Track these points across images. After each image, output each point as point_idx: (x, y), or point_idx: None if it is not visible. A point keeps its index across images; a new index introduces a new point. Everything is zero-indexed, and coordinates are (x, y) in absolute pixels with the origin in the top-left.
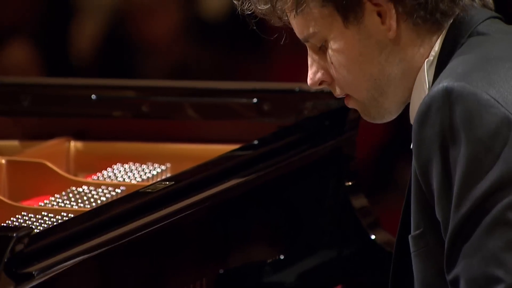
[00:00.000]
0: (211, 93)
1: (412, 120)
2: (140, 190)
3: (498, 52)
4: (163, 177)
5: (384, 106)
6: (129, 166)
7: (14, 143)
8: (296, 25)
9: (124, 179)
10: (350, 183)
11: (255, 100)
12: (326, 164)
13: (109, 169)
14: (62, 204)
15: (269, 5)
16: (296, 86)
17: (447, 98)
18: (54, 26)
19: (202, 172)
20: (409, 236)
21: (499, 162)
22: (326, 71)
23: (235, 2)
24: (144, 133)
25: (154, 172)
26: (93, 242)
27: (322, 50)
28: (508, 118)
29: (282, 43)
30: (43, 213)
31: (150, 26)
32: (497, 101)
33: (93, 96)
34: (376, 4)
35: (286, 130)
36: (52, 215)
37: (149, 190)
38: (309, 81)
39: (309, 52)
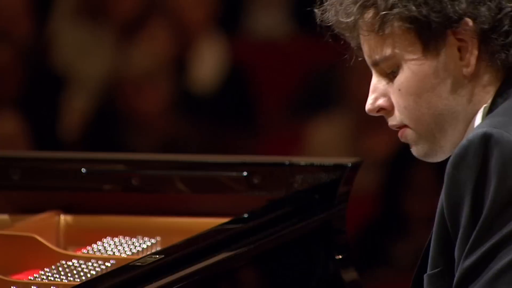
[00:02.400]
0: (201, 166)
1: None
2: (130, 264)
3: None
4: (153, 250)
5: (440, 143)
6: (119, 239)
7: (4, 216)
8: (372, 45)
9: (114, 253)
10: (340, 257)
11: (245, 173)
12: (316, 237)
13: (99, 243)
14: (52, 278)
15: (352, 18)
16: (286, 159)
17: (484, 144)
18: (44, 100)
19: (192, 246)
20: (425, 275)
21: None
22: (388, 99)
23: (315, 11)
24: (134, 207)
25: (144, 246)
26: None
27: (389, 76)
28: None
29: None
30: (33, 287)
31: (140, 100)
32: None
33: (83, 170)
34: (459, 39)
35: (276, 203)
36: None
37: (139, 264)
38: (368, 106)
39: (375, 76)
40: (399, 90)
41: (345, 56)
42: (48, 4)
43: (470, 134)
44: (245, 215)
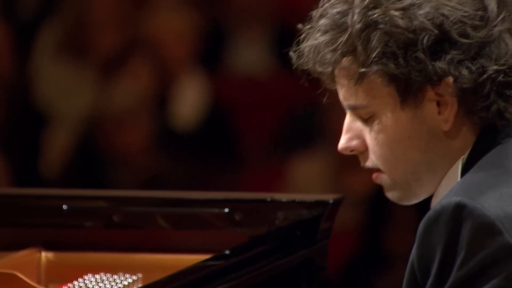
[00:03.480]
0: (182, 203)
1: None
2: None
3: None
4: (135, 287)
5: (415, 191)
6: (100, 276)
7: None
8: (349, 92)
9: None
10: None
11: (226, 210)
12: (298, 273)
13: (80, 280)
14: None
15: (332, 67)
16: (267, 196)
17: (457, 213)
18: (25, 136)
19: (174, 282)
20: None
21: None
22: (363, 141)
23: (291, 54)
24: (116, 243)
25: (126, 282)
26: None
27: (366, 120)
28: (510, 248)
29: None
30: None
31: (121, 137)
32: (505, 229)
33: (65, 206)
34: (439, 95)
35: (258, 240)
36: None
37: None
38: (341, 145)
39: (350, 118)
40: (376, 138)
41: (325, 96)
42: (29, 41)
43: (444, 200)
44: (227, 252)
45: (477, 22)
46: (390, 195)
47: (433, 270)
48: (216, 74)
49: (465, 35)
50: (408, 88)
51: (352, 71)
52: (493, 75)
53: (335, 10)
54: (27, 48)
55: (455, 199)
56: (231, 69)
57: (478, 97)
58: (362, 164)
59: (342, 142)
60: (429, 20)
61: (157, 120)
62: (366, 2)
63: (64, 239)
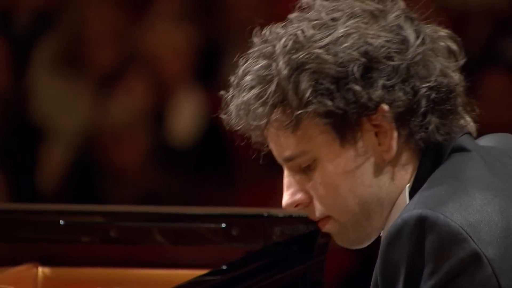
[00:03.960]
0: (179, 218)
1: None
2: None
3: (476, 180)
4: None
5: (367, 230)
6: None
7: None
8: (283, 143)
9: None
10: None
11: (223, 225)
12: None
13: None
14: None
15: (265, 120)
16: (264, 211)
17: (419, 226)
18: (21, 151)
19: None
20: None
21: None
22: (306, 193)
23: (223, 117)
24: (113, 258)
25: None
26: None
27: (305, 170)
28: (478, 255)
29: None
30: None
31: (118, 151)
32: (470, 236)
33: (61, 222)
34: (375, 125)
35: (255, 255)
36: None
37: None
38: (285, 202)
39: (288, 173)
40: (320, 183)
41: None
42: (26, 56)
43: (404, 213)
44: (224, 267)
45: (400, 46)
46: (341, 241)
47: (399, 287)
48: (212, 89)
49: (392, 58)
50: (344, 124)
51: (285, 120)
52: (426, 93)
53: (257, 66)
54: (23, 63)
55: (417, 211)
56: (227, 85)
57: (415, 118)
58: (311, 217)
59: (286, 199)
60: (354, 50)
61: (154, 135)
62: (288, 47)
63: (61, 254)
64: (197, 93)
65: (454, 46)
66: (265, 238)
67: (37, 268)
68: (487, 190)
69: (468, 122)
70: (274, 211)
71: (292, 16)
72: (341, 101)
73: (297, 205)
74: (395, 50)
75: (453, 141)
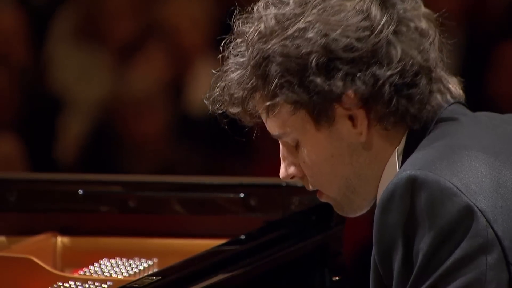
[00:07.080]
0: (198, 188)
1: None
2: (126, 285)
3: (463, 140)
4: (150, 272)
5: (356, 202)
6: (116, 261)
7: (0, 238)
8: (269, 124)
9: (110, 274)
10: (337, 278)
11: (242, 194)
12: (313, 259)
13: (96, 264)
14: None
15: (240, 108)
16: (282, 181)
17: (411, 186)
18: (41, 122)
19: (189, 267)
20: None
21: (456, 251)
22: (298, 167)
23: (205, 102)
24: (131, 228)
25: (141, 267)
26: None
27: (295, 147)
28: (470, 207)
29: (254, 137)
30: None
31: (137, 122)
32: (460, 190)
33: (80, 191)
34: (347, 109)
35: (273, 225)
36: None
37: (136, 285)
38: (281, 174)
39: (283, 147)
40: (304, 162)
41: None
42: (45, 27)
43: (394, 178)
44: (242, 237)
45: (362, 34)
46: (338, 211)
47: (398, 254)
48: None
49: (351, 49)
50: (317, 110)
51: (263, 104)
52: (389, 80)
53: (237, 50)
54: (43, 34)
55: (406, 173)
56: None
57: (381, 104)
58: (307, 188)
59: (282, 171)
60: (313, 43)
61: (173, 106)
62: (257, 37)
63: (79, 224)
64: (216, 64)
65: (425, 25)
66: (284, 208)
67: (56, 237)
68: (474, 147)
69: (454, 92)
70: (292, 181)
71: None
72: (304, 92)
73: (292, 177)
74: (356, 39)
75: (437, 115)
